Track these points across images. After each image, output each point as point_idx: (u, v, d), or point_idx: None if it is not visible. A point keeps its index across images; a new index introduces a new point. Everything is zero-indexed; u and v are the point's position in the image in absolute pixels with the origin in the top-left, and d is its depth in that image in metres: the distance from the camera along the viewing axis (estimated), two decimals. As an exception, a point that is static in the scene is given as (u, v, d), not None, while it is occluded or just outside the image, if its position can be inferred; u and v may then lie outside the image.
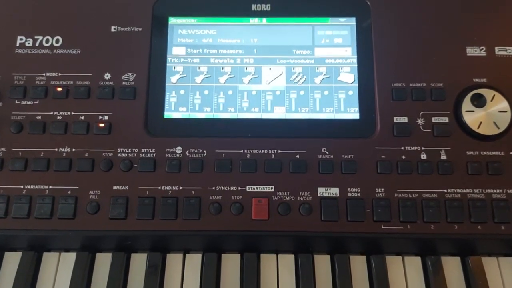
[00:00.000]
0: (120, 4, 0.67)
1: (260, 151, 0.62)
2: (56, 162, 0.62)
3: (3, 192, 0.61)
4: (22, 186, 0.61)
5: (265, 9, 0.67)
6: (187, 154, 0.62)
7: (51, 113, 0.64)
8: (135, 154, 0.62)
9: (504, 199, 0.60)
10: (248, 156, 0.62)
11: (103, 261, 0.62)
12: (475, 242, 0.61)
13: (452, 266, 0.62)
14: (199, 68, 0.65)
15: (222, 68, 0.65)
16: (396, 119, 0.63)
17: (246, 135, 0.63)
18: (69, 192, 0.61)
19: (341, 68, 0.65)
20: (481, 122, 0.62)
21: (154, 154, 0.62)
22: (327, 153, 0.62)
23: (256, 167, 0.62)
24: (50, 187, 0.61)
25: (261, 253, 0.62)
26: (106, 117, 0.63)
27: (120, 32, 0.66)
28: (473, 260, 0.61)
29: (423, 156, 0.62)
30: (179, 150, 0.62)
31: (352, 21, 0.66)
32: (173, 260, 0.62)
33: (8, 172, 0.62)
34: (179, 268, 0.61)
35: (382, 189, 0.61)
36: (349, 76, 0.65)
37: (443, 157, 0.62)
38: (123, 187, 0.61)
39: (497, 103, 0.63)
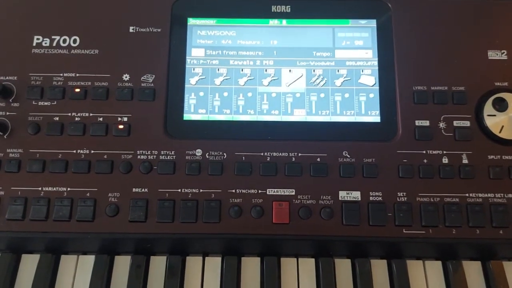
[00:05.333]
0: (139, 4, 0.66)
1: (280, 154, 0.62)
2: (74, 164, 0.61)
3: (21, 194, 0.61)
4: (40, 188, 0.61)
5: (285, 11, 0.66)
6: (207, 157, 0.62)
7: (69, 114, 0.63)
8: (155, 156, 0.62)
9: (525, 204, 0.60)
10: (268, 159, 0.62)
11: (122, 264, 0.61)
12: (496, 247, 0.61)
13: (473, 271, 0.62)
14: (218, 69, 0.65)
15: (242, 70, 0.65)
16: (418, 123, 0.62)
17: (266, 137, 0.63)
18: (88, 194, 0.61)
19: (362, 71, 0.65)
20: (502, 126, 0.62)
21: (174, 156, 0.62)
22: (348, 156, 0.62)
23: (276, 170, 0.61)
24: (69, 189, 0.61)
25: (281, 257, 0.62)
26: (125, 119, 0.63)
27: (139, 33, 0.65)
28: (494, 265, 0.61)
29: (445, 160, 0.61)
30: (199, 152, 0.62)
31: (372, 23, 0.66)
32: (193, 263, 0.61)
33: (25, 173, 0.61)
34: (198, 271, 0.61)
35: (404, 193, 0.60)
36: (370, 79, 0.64)
37: (465, 161, 0.61)
38: (143, 190, 0.61)
39: (519, 107, 0.62)
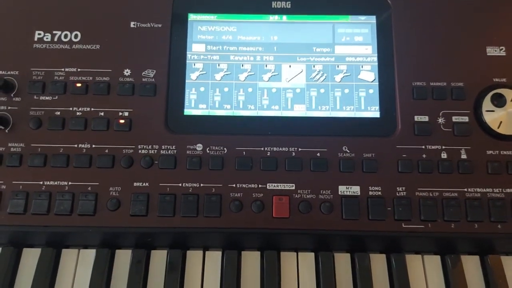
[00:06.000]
0: (140, 0, 0.66)
1: (280, 149, 0.62)
2: (76, 158, 0.61)
3: (22, 188, 0.61)
4: (41, 182, 0.61)
5: (285, 7, 0.67)
6: (208, 151, 0.62)
7: (70, 108, 0.63)
8: (156, 150, 0.62)
9: (523, 198, 0.61)
10: (268, 154, 0.62)
11: (123, 258, 0.62)
12: (494, 241, 0.62)
13: (471, 265, 0.62)
14: (219, 65, 0.65)
15: (242, 65, 0.65)
16: (417, 118, 0.63)
17: (266, 132, 0.63)
18: (89, 188, 0.61)
19: (362, 66, 0.65)
20: (501, 122, 0.62)
21: (175, 151, 0.62)
22: (348, 151, 0.62)
23: (276, 165, 0.62)
24: (70, 183, 0.61)
25: (281, 251, 0.62)
26: (126, 114, 0.63)
27: (140, 28, 0.66)
28: (492, 259, 0.62)
29: (444, 155, 0.62)
30: (199, 147, 0.62)
31: (372, 19, 0.66)
32: (193, 257, 0.62)
33: (27, 168, 0.61)
34: (199, 265, 0.61)
35: (403, 188, 0.61)
36: (369, 75, 0.65)
37: (464, 156, 0.62)
38: (144, 184, 0.61)
39: (517, 103, 0.63)
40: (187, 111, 0.64)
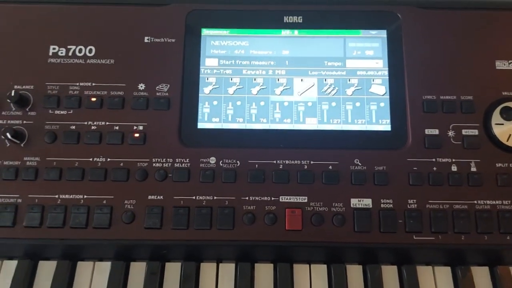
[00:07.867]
0: (153, 15, 0.67)
1: (292, 162, 0.63)
2: (91, 171, 0.62)
3: (38, 201, 0.62)
4: (57, 196, 0.62)
5: (297, 21, 0.68)
6: (221, 165, 0.63)
7: (85, 123, 0.64)
8: (170, 164, 0.63)
9: (532, 210, 0.62)
10: (281, 167, 0.63)
11: (138, 270, 0.62)
12: (504, 252, 0.62)
13: (481, 276, 0.63)
14: (231, 79, 0.66)
15: (254, 79, 0.66)
16: (427, 131, 0.64)
17: (279, 146, 0.64)
18: (104, 201, 0.62)
19: (373, 80, 0.66)
20: (510, 135, 0.63)
21: (188, 164, 0.63)
22: (360, 164, 0.63)
23: (289, 178, 0.62)
24: (85, 196, 0.62)
25: (294, 263, 0.63)
26: (141, 127, 0.64)
27: (154, 43, 0.66)
28: (501, 270, 0.62)
29: (454, 168, 0.63)
30: (212, 160, 0.63)
31: (383, 33, 0.67)
32: (207, 269, 0.62)
33: (42, 181, 0.62)
34: (213, 277, 0.62)
35: (414, 200, 0.62)
36: (380, 88, 0.66)
37: (473, 169, 0.63)
38: (158, 197, 0.62)
39: (526, 117, 0.64)
40: (201, 125, 0.65)
